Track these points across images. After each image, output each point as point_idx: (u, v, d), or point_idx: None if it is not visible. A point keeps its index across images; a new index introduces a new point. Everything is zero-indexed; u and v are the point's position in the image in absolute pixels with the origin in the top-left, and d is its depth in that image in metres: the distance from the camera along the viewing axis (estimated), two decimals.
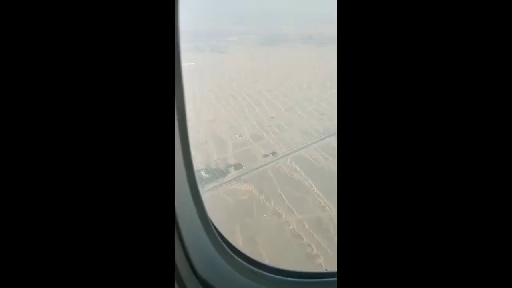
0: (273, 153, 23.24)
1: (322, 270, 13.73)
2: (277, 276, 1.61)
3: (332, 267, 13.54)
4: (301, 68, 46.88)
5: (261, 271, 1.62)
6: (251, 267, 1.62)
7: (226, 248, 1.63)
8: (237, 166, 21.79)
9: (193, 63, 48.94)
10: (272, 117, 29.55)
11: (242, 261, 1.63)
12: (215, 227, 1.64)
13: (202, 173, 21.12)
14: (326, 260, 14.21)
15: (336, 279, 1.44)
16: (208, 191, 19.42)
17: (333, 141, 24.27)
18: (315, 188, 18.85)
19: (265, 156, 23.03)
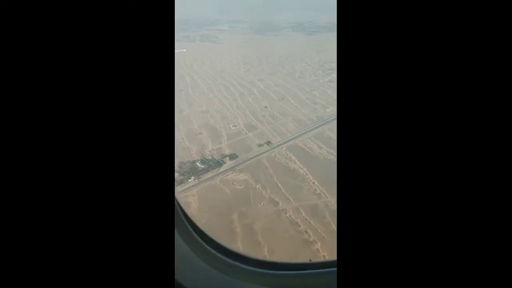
0: (268, 143, 23.36)
1: (319, 256, 14.10)
2: (256, 269, 1.50)
3: (329, 252, 13.90)
4: (292, 56, 46.65)
5: (239, 264, 1.51)
6: (227, 259, 1.50)
7: (199, 239, 1.50)
8: (232, 156, 21.85)
9: (184, 50, 47.85)
10: (265, 107, 29.54)
11: (217, 253, 1.50)
12: (185, 215, 1.48)
13: (198, 163, 21.12)
14: (323, 245, 14.56)
15: (318, 271, 1.51)
16: (205, 181, 19.48)
17: (326, 129, 24.51)
18: (310, 176, 19.12)
19: (260, 145, 23.13)
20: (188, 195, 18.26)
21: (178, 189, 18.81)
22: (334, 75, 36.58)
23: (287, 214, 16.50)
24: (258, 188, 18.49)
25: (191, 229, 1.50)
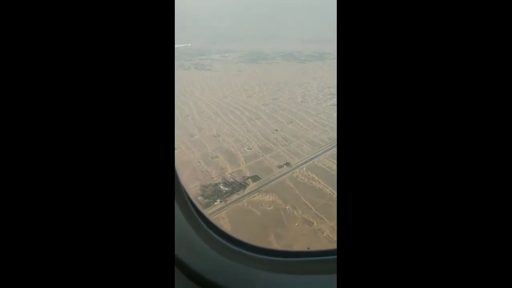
0: (287, 164, 23.41)
1: None
2: (257, 255, 1.53)
3: None
4: (290, 83, 48.11)
5: (241, 250, 1.55)
6: (230, 245, 1.55)
7: (203, 224, 1.56)
8: (255, 178, 21.64)
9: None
10: (276, 130, 29.91)
11: (220, 239, 1.56)
12: (190, 201, 1.55)
13: (221, 186, 20.73)
14: None
15: (316, 258, 1.53)
16: (232, 203, 19.06)
17: None
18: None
19: (280, 166, 23.11)
20: (218, 217, 17.72)
21: (205, 212, 18.23)
22: (336, 100, 37.92)
23: (325, 234, 16.27)
24: (288, 208, 18.25)
25: (196, 215, 1.55)
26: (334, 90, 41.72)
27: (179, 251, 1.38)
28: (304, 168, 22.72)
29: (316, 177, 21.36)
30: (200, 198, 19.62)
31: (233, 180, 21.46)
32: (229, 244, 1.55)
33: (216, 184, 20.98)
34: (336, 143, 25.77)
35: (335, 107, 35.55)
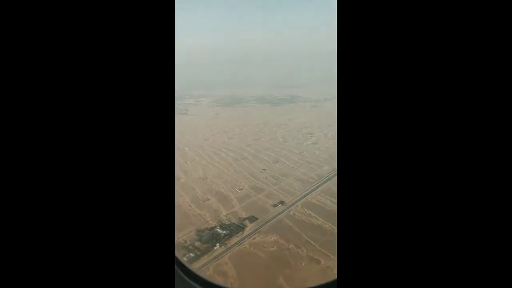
0: (282, 202, 23.18)
1: None
2: None
3: None
4: (268, 124, 49.42)
5: None
6: None
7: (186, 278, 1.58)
8: (251, 219, 21.02)
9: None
10: (264, 169, 29.96)
11: None
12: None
13: (218, 229, 19.82)
14: None
15: None
16: (233, 247, 18.12)
17: (331, 185, 25.38)
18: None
19: (275, 205, 22.81)
20: (221, 263, 16.67)
21: (206, 258, 17.13)
22: (315, 138, 39.39)
23: (334, 271, 15.77)
24: (292, 247, 17.72)
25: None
26: (311, 129, 43.44)
27: None
28: (299, 206, 22.60)
29: (313, 214, 21.24)
30: (197, 243, 18.50)
31: (229, 223, 20.66)
32: None
33: (213, 228, 20.03)
34: (324, 179, 26.21)
35: (316, 145, 36.77)
